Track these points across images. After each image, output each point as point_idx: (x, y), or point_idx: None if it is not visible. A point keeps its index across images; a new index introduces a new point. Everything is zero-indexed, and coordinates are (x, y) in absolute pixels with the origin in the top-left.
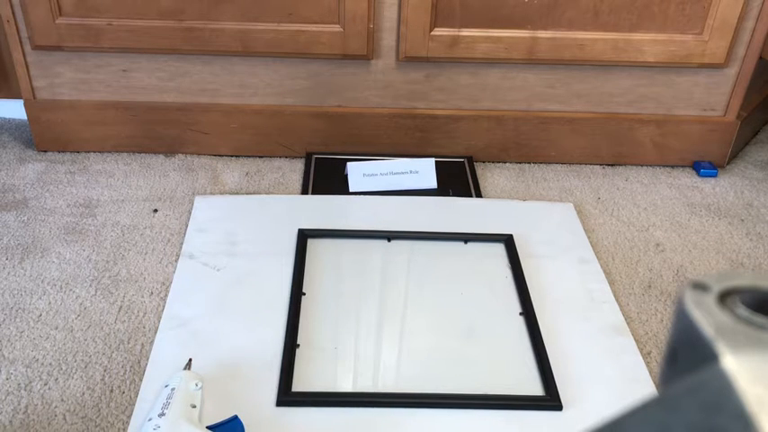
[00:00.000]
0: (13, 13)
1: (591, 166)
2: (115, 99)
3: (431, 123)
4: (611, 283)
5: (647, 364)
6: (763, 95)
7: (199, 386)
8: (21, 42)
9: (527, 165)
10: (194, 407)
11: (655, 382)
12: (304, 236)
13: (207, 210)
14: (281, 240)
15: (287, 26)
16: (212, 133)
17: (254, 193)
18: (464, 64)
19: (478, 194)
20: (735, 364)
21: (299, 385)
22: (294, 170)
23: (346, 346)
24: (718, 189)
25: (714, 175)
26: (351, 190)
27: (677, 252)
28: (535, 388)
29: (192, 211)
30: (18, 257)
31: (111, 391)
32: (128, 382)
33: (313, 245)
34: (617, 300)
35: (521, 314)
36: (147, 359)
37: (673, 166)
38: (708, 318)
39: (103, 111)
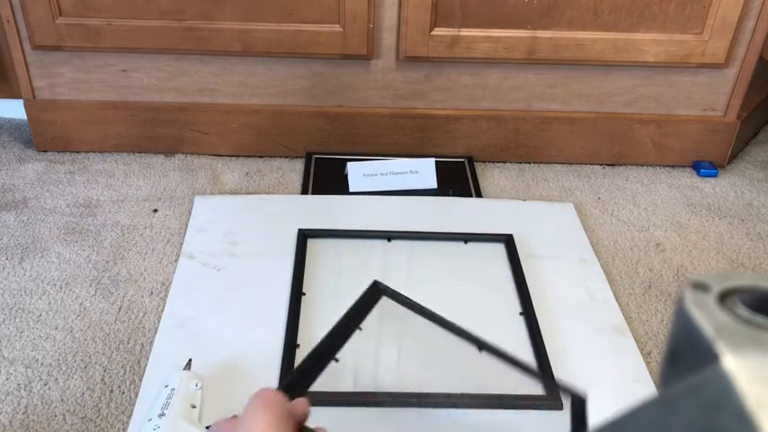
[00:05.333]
0: (13, 12)
1: (591, 166)
2: (115, 99)
3: (431, 123)
4: (612, 283)
5: (648, 364)
6: (764, 95)
7: (199, 386)
8: (21, 42)
9: (527, 165)
10: (194, 407)
11: (655, 382)
12: (304, 236)
13: (207, 210)
14: (281, 240)
15: (287, 26)
16: (212, 133)
17: (254, 193)
18: (464, 64)
19: (478, 194)
20: (735, 365)
21: None
22: (294, 170)
23: (346, 346)
24: (718, 189)
25: (714, 175)
26: (351, 190)
27: (677, 252)
28: (535, 388)
29: (192, 211)
30: (18, 257)
31: (111, 391)
32: (128, 382)
33: (313, 245)
34: (617, 300)
35: (521, 314)
36: (147, 359)
37: (673, 166)
38: (708, 318)
39: (103, 111)
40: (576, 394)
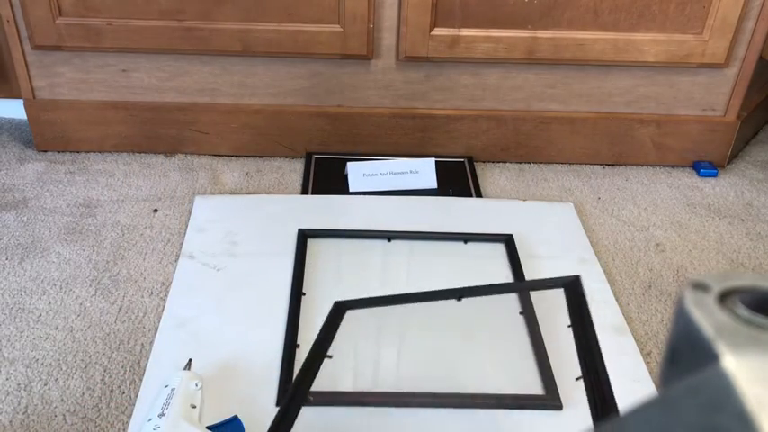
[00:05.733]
0: (13, 13)
1: (591, 166)
2: (115, 99)
3: (431, 123)
4: (612, 283)
5: (648, 364)
6: (764, 95)
7: (199, 386)
8: (21, 42)
9: (527, 165)
10: (194, 407)
11: (655, 382)
12: (304, 236)
13: (207, 210)
14: (281, 240)
15: (287, 26)
16: (212, 133)
17: (254, 193)
18: (464, 64)
19: (478, 194)
20: (735, 365)
21: None
22: (294, 170)
23: (346, 346)
24: (718, 189)
25: (714, 175)
26: (351, 190)
27: (677, 252)
28: (535, 388)
29: (192, 211)
30: (18, 257)
31: (111, 391)
32: (128, 382)
33: (313, 245)
34: (617, 300)
35: (521, 314)
36: (147, 359)
37: (673, 166)
38: (708, 318)
39: (103, 111)
40: (569, 279)
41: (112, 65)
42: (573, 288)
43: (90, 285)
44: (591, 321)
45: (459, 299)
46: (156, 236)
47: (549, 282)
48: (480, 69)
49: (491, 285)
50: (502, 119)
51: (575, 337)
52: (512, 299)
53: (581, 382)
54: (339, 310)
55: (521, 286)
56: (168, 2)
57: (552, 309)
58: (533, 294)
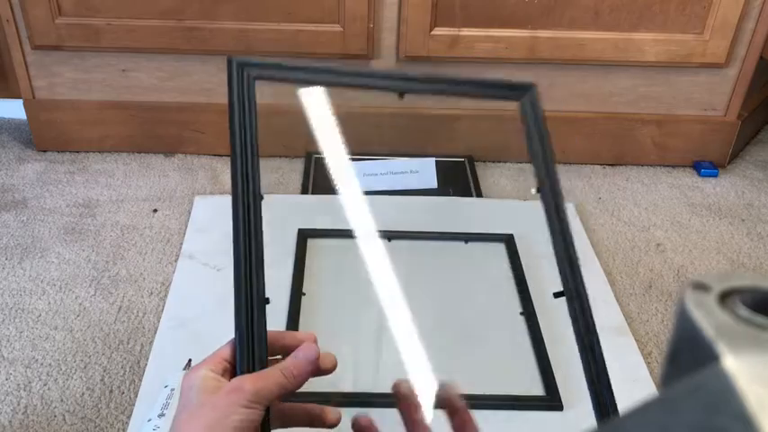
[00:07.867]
0: (13, 13)
1: (591, 166)
2: (115, 99)
3: (431, 123)
4: (612, 283)
5: (648, 364)
6: (764, 95)
7: None
8: (20, 42)
9: (527, 165)
10: None
11: (655, 383)
12: (304, 236)
13: (207, 210)
14: (281, 240)
15: (287, 26)
16: (212, 133)
17: None
18: (464, 64)
19: (478, 194)
20: (735, 365)
21: None
22: (294, 170)
23: (346, 346)
24: (718, 189)
25: (715, 175)
26: None
27: (678, 252)
28: (535, 388)
29: (192, 211)
30: (18, 257)
31: (111, 391)
32: (127, 382)
33: (313, 245)
34: (617, 300)
35: (521, 314)
36: (147, 359)
37: (673, 166)
38: (708, 318)
39: (103, 111)
40: (525, 84)
41: (112, 65)
42: (529, 98)
43: (90, 285)
44: (550, 145)
45: (401, 96)
46: (156, 236)
47: (499, 86)
48: (480, 69)
49: (432, 80)
50: (502, 119)
51: (532, 157)
52: (512, 299)
53: (582, 382)
54: (239, 68)
55: (467, 89)
56: (168, 2)
57: (552, 309)
58: (533, 294)
